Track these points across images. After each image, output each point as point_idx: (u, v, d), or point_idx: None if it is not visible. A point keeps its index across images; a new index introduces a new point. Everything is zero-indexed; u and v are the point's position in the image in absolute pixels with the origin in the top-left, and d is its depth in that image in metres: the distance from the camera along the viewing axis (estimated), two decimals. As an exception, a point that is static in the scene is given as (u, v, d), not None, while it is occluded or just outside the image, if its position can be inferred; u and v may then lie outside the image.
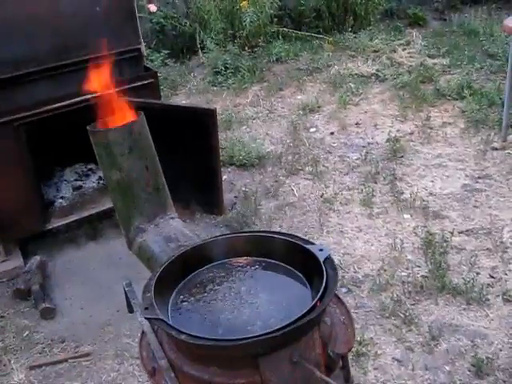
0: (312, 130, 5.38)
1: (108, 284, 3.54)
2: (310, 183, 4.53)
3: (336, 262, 3.50)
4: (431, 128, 5.16)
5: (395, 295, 3.25)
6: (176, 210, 4.13)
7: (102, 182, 4.07)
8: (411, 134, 5.12)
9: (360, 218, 4.04)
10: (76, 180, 4.15)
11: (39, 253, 3.74)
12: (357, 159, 4.81)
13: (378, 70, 6.37)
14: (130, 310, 2.00)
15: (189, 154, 3.72)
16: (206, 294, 1.70)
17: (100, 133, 1.98)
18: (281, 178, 4.63)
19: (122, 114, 2.09)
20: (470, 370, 2.77)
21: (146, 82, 3.72)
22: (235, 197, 4.42)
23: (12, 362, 3.00)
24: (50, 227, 3.77)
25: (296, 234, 3.87)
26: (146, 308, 1.55)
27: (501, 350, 2.88)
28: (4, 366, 2.98)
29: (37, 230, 3.69)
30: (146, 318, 1.55)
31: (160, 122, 3.59)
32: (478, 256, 3.53)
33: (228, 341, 1.43)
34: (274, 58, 6.81)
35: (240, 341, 1.41)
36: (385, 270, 3.47)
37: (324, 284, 1.53)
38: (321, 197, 4.32)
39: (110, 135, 1.95)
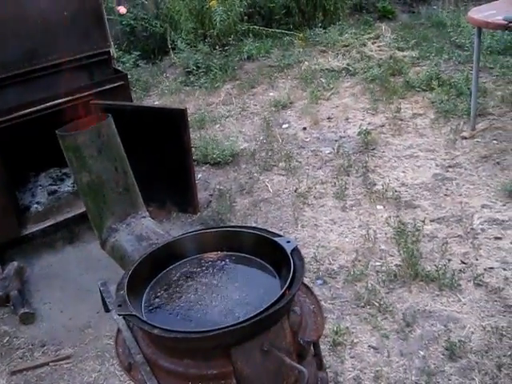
0: (285, 126, 5.44)
1: (87, 287, 3.55)
2: (283, 179, 4.58)
3: (311, 254, 3.61)
4: (402, 120, 5.25)
5: (370, 285, 3.32)
6: (151, 210, 4.19)
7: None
8: (382, 126, 5.19)
9: (334, 210, 4.10)
10: (51, 185, 4.16)
11: (16, 259, 3.75)
12: (329, 153, 4.87)
13: (348, 65, 6.45)
14: (106, 309, 2.03)
15: (162, 154, 3.75)
16: (178, 290, 1.74)
17: (69, 136, 2.00)
18: (255, 174, 4.68)
19: (91, 117, 2.12)
20: (443, 354, 2.84)
21: (116, 85, 3.75)
22: (210, 195, 4.46)
23: (-7, 367, 3.01)
24: (27, 232, 3.78)
25: (270, 228, 3.96)
26: (120, 305, 1.58)
27: (473, 333, 2.95)
28: (-15, 372, 3.00)
29: (13, 235, 3.70)
30: (119, 315, 1.59)
31: (132, 124, 3.64)
32: (450, 243, 3.60)
33: (199, 333, 1.47)
34: (246, 56, 6.86)
35: (211, 332, 1.46)
36: (359, 261, 3.53)
37: (291, 274, 1.58)
38: (295, 191, 4.38)
39: (79, 138, 1.98)
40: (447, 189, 4.20)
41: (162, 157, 3.78)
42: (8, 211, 3.62)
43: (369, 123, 5.22)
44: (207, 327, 1.52)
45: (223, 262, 1.83)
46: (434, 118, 5.18)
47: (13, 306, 3.34)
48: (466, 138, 4.83)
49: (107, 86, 3.72)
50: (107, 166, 2.03)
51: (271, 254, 1.76)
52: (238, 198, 4.36)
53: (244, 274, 1.77)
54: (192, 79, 6.44)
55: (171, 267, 1.83)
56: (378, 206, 4.07)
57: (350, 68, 6.39)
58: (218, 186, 4.52)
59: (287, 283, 1.55)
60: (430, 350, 2.88)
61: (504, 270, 3.35)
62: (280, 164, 4.78)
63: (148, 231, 2.04)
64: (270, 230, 1.97)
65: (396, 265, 3.46)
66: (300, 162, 4.77)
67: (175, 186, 3.89)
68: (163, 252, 1.81)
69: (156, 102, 6.09)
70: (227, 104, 5.97)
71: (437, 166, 4.51)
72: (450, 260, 3.45)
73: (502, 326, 2.97)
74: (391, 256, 3.55)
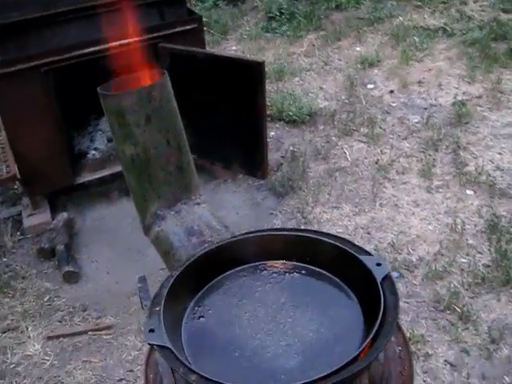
0: (370, 86, 4.95)
1: (138, 247, 3.28)
2: (364, 146, 4.15)
3: (388, 240, 3.20)
4: (502, 92, 4.67)
5: (452, 285, 2.91)
6: (216, 169, 3.87)
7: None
8: (479, 97, 4.64)
9: (417, 190, 3.66)
10: (112, 130, 3.88)
11: (69, 206, 3.52)
12: (417, 122, 4.39)
13: (445, 24, 5.81)
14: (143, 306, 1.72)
15: (233, 109, 3.38)
16: (231, 309, 1.38)
17: (111, 97, 1.62)
18: (333, 138, 4.26)
19: (145, 72, 1.74)
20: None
21: (188, 28, 3.36)
22: (282, 157, 4.09)
23: (29, 329, 2.79)
24: (82, 181, 3.51)
25: (344, 204, 3.57)
26: (152, 330, 1.24)
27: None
28: (21, 333, 2.78)
29: (66, 183, 3.44)
30: (149, 344, 1.25)
31: (202, 73, 3.29)
32: (550, 246, 3.13)
33: None
34: (334, 5, 6.29)
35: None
36: (442, 255, 3.11)
37: (379, 318, 1.19)
38: (376, 163, 3.95)
39: (124, 100, 1.59)
40: (552, 180, 3.68)
41: (233, 112, 3.41)
42: (62, 156, 3.36)
43: (464, 93, 4.67)
44: (264, 375, 1.17)
45: (290, 275, 1.46)
46: (541, 94, 4.59)
47: (57, 261, 3.10)
48: None
49: (178, 29, 3.34)
50: (157, 137, 1.65)
51: (354, 275, 1.39)
52: (311, 164, 3.97)
53: (317, 296, 1.40)
54: (274, 25, 5.97)
55: (224, 275, 1.47)
56: (468, 191, 3.61)
57: (448, 28, 5.75)
58: (291, 148, 4.13)
59: (374, 330, 1.17)
60: (519, 377, 2.47)
61: None
62: (361, 129, 4.33)
63: (201, 224, 1.67)
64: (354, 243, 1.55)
65: (485, 265, 3.03)
66: (384, 130, 4.31)
67: (244, 146, 3.53)
68: (216, 256, 1.45)
69: (233, 48, 5.68)
70: (309, 56, 5.51)
71: (541, 150, 3.97)
72: (549, 267, 2.99)
73: None
74: (480, 253, 3.12)
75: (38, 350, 2.68)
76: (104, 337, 2.75)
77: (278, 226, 3.32)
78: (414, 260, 3.10)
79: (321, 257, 1.46)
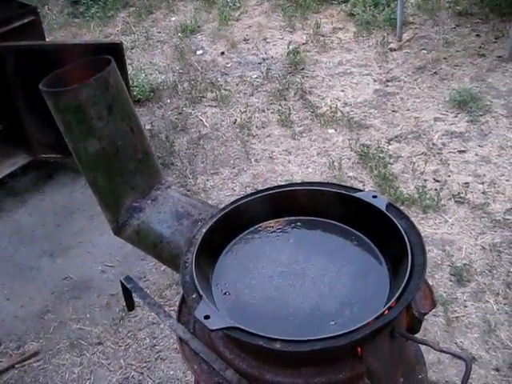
0: (199, 52, 4.97)
1: (28, 263, 3.08)
2: (217, 110, 4.19)
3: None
4: (323, 35, 4.95)
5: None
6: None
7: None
8: (305, 44, 4.88)
9: (284, 139, 3.79)
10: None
11: None
12: (257, 77, 4.51)
13: (250, -20, 5.98)
14: (130, 308, 1.63)
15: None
16: (254, 275, 1.36)
17: (67, 93, 1.48)
18: (184, 109, 4.24)
19: (75, 65, 1.61)
20: (451, 280, 2.70)
21: (26, 21, 3.12)
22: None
23: None
24: None
25: (221, 166, 3.60)
26: (207, 317, 1.19)
27: (471, 254, 2.83)
28: None
29: None
30: (213, 330, 1.18)
31: (55, 67, 3.08)
32: (416, 162, 3.43)
33: (333, 339, 1.12)
34: (136, -22, 6.18)
35: (345, 337, 1.12)
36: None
37: (409, 264, 1.24)
38: (234, 123, 4.01)
39: (82, 93, 1.45)
40: (393, 104, 4.00)
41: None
42: None
43: (290, 42, 4.86)
44: (320, 327, 1.20)
45: (297, 230, 1.46)
46: (356, 31, 4.92)
47: None
48: (394, 50, 4.63)
49: (16, 24, 3.09)
50: (122, 127, 1.54)
51: (356, 215, 1.42)
52: (172, 137, 3.92)
53: (332, 246, 1.42)
54: (81, 10, 5.72)
55: (238, 239, 1.43)
56: (330, 130, 3.81)
57: (253, -16, 5.93)
58: (147, 127, 4.04)
59: (408, 271, 1.22)
60: (437, 279, 2.71)
61: (479, 183, 3.24)
62: (208, 95, 4.36)
63: (184, 205, 1.60)
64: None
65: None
66: (229, 90, 4.37)
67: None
68: (223, 225, 1.41)
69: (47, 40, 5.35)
70: (128, 34, 5.38)
71: (374, 81, 4.29)
72: (424, 180, 3.28)
73: (497, 242, 2.87)
74: (362, 182, 3.32)
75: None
76: (34, 364, 2.51)
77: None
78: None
79: (317, 206, 1.48)
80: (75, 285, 2.94)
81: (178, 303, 1.50)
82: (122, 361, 2.53)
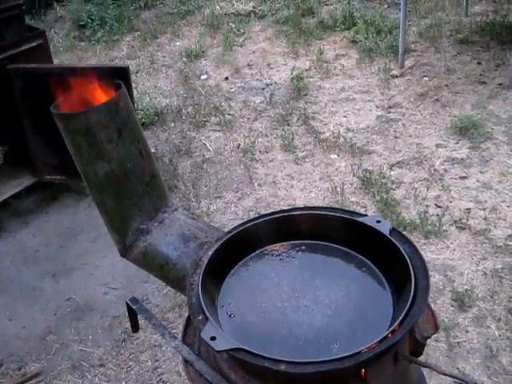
0: (203, 77, 5.03)
1: (30, 284, 3.09)
2: (220, 135, 4.23)
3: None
4: (326, 62, 5.01)
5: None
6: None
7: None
8: (308, 70, 4.94)
9: (287, 164, 3.82)
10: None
11: None
12: (261, 102, 4.56)
13: (254, 7, 6.09)
14: (135, 329, 1.64)
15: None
16: (258, 298, 1.38)
17: (77, 116, 1.51)
18: (188, 133, 4.28)
19: (80, 87, 1.64)
20: (452, 306, 2.71)
21: (34, 44, 3.18)
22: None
23: None
24: None
25: (225, 191, 3.62)
26: (213, 338, 1.21)
27: (472, 279, 2.84)
28: None
29: None
30: (220, 351, 1.19)
31: (63, 89, 3.13)
32: (418, 188, 3.46)
33: (338, 361, 1.14)
34: (142, 4, 6.28)
35: (350, 359, 1.13)
36: (333, 217, 3.30)
37: (413, 288, 1.26)
38: (237, 147, 4.05)
39: (92, 117, 1.48)
40: (395, 130, 4.04)
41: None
42: None
43: (293, 68, 4.93)
44: (323, 350, 1.21)
45: (299, 254, 1.48)
46: (359, 58, 4.99)
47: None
48: (396, 77, 4.69)
49: (24, 47, 3.14)
50: (131, 150, 1.57)
51: (358, 239, 1.45)
52: (175, 161, 3.96)
53: (333, 269, 1.44)
54: (87, 33, 5.82)
55: (243, 262, 1.46)
56: (332, 155, 3.84)
57: (257, 11, 6.04)
58: (152, 150, 4.06)
59: (411, 295, 1.25)
60: (438, 304, 2.72)
61: (480, 209, 3.26)
62: (211, 119, 4.40)
63: (190, 228, 1.62)
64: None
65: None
66: (233, 115, 4.42)
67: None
68: (227, 250, 1.43)
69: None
70: (133, 58, 5.45)
71: (377, 107, 4.33)
72: (426, 206, 3.30)
73: (498, 268, 2.88)
74: (364, 208, 3.34)
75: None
76: (37, 386, 2.54)
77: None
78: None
79: (321, 230, 1.50)
80: (78, 306, 2.95)
81: (181, 325, 1.51)
82: (123, 383, 2.53)
